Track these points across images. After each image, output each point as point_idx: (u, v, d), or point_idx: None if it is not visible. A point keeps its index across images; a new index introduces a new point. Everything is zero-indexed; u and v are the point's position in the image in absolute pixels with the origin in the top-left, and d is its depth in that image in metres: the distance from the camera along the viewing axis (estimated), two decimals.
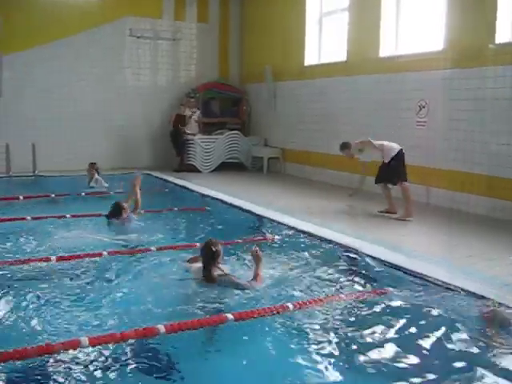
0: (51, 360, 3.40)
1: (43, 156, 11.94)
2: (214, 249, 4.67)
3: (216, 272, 4.66)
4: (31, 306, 4.27)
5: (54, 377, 3.28)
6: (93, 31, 13.09)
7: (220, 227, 7.44)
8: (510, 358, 3.61)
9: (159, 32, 13.98)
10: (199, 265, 4.82)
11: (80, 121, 13.03)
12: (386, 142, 8.22)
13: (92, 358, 3.46)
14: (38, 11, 12.47)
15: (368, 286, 5.03)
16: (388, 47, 10.19)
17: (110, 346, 3.58)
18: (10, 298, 4.44)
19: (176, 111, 13.55)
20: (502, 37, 8.04)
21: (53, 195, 9.20)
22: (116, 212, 6.90)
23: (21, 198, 8.89)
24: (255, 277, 4.74)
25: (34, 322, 3.96)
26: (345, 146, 8.70)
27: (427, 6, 9.56)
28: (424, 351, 3.71)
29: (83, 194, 9.54)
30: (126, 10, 13.41)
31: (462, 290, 4.76)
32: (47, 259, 5.40)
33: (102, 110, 13.35)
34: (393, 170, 8.17)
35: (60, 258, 5.45)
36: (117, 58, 13.59)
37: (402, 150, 8.15)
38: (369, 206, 8.99)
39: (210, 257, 4.67)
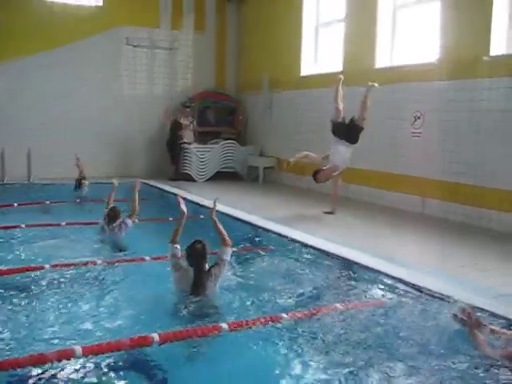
0: (45, 369, 3.38)
1: (38, 163, 11.91)
2: (204, 247, 4.59)
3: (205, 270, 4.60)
4: (24, 315, 4.26)
5: None
6: (89, 40, 13.12)
7: (214, 236, 7.41)
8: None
9: (156, 41, 14.03)
10: (183, 268, 4.67)
11: (76, 128, 13.03)
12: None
13: (86, 368, 3.44)
14: (34, 18, 12.48)
15: (362, 296, 5.02)
16: (384, 58, 10.25)
17: (104, 355, 3.56)
18: (3, 306, 4.42)
19: (173, 117, 13.60)
20: (495, 49, 8.10)
21: (47, 202, 9.19)
22: (112, 216, 6.84)
23: (15, 205, 8.88)
24: (222, 241, 4.79)
25: (26, 331, 3.94)
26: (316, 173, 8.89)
27: (422, 17, 9.63)
28: (420, 362, 3.70)
29: (78, 200, 9.57)
30: (123, 19, 13.45)
31: (456, 300, 4.77)
32: (41, 267, 5.38)
33: (98, 117, 13.34)
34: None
35: (54, 266, 5.43)
36: (113, 66, 13.62)
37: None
38: (363, 215, 9.00)
39: (203, 255, 4.57)
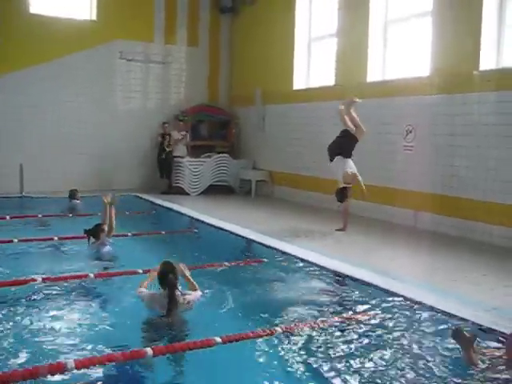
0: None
1: (31, 177, 11.91)
2: (176, 271, 4.58)
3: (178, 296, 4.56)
4: (16, 328, 4.24)
5: None
6: (83, 54, 13.16)
7: (207, 250, 7.46)
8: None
9: (150, 55, 14.11)
10: (152, 293, 4.68)
11: (69, 142, 13.08)
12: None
13: (78, 382, 3.43)
14: (29, 32, 12.47)
15: (354, 309, 5.03)
16: (375, 72, 10.34)
17: (97, 369, 3.55)
18: None
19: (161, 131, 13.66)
20: (485, 64, 8.21)
21: (40, 215, 9.16)
22: (94, 233, 6.76)
23: (7, 217, 8.87)
24: (192, 287, 4.82)
25: (18, 345, 3.92)
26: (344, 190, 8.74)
27: (414, 32, 9.75)
28: (410, 375, 3.71)
29: (70, 215, 9.54)
30: (117, 33, 13.51)
31: (449, 313, 4.80)
32: (33, 280, 5.36)
33: (91, 131, 13.37)
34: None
35: (46, 279, 5.42)
36: (107, 80, 13.67)
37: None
38: (355, 229, 9.02)
39: (175, 281, 4.54)
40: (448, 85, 8.71)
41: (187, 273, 4.87)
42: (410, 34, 9.86)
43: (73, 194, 10.53)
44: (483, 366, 3.72)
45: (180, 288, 4.60)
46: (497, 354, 3.90)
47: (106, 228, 6.84)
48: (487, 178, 8.13)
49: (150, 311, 4.58)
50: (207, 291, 5.14)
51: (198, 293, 4.80)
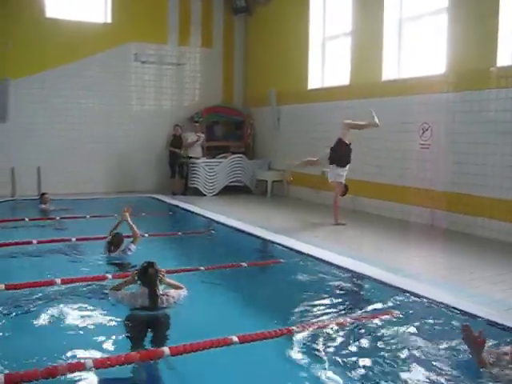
0: (57, 382, 3.40)
1: (49, 179, 12.04)
2: (157, 270, 4.70)
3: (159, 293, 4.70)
4: (36, 328, 4.29)
5: None
6: (98, 56, 13.27)
7: (224, 250, 7.47)
8: None
9: (164, 57, 14.18)
10: (131, 292, 4.78)
11: (85, 144, 13.20)
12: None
13: (97, 381, 3.46)
14: (45, 36, 12.60)
15: (371, 308, 5.01)
16: (390, 71, 10.28)
17: (115, 368, 3.57)
18: (16, 320, 4.46)
19: (172, 132, 13.70)
20: (503, 60, 8.11)
21: (58, 218, 9.23)
22: (116, 243, 6.69)
23: (26, 219, 8.95)
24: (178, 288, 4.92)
25: (38, 344, 3.96)
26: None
27: (429, 30, 9.67)
28: (426, 375, 3.68)
29: (88, 216, 9.56)
30: (132, 35, 13.60)
31: (467, 313, 4.76)
32: (52, 282, 5.41)
33: (107, 133, 13.48)
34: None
35: (65, 281, 5.46)
36: (122, 82, 13.75)
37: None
38: (372, 228, 8.98)
39: (156, 279, 4.68)
40: (464, 82, 8.62)
41: (167, 280, 4.93)
42: (425, 31, 9.78)
43: (42, 199, 10.42)
44: (494, 367, 3.66)
45: (162, 287, 4.76)
46: (505, 350, 3.84)
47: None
48: (505, 175, 8.04)
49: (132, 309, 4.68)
50: (225, 291, 5.15)
51: (182, 291, 4.90)
